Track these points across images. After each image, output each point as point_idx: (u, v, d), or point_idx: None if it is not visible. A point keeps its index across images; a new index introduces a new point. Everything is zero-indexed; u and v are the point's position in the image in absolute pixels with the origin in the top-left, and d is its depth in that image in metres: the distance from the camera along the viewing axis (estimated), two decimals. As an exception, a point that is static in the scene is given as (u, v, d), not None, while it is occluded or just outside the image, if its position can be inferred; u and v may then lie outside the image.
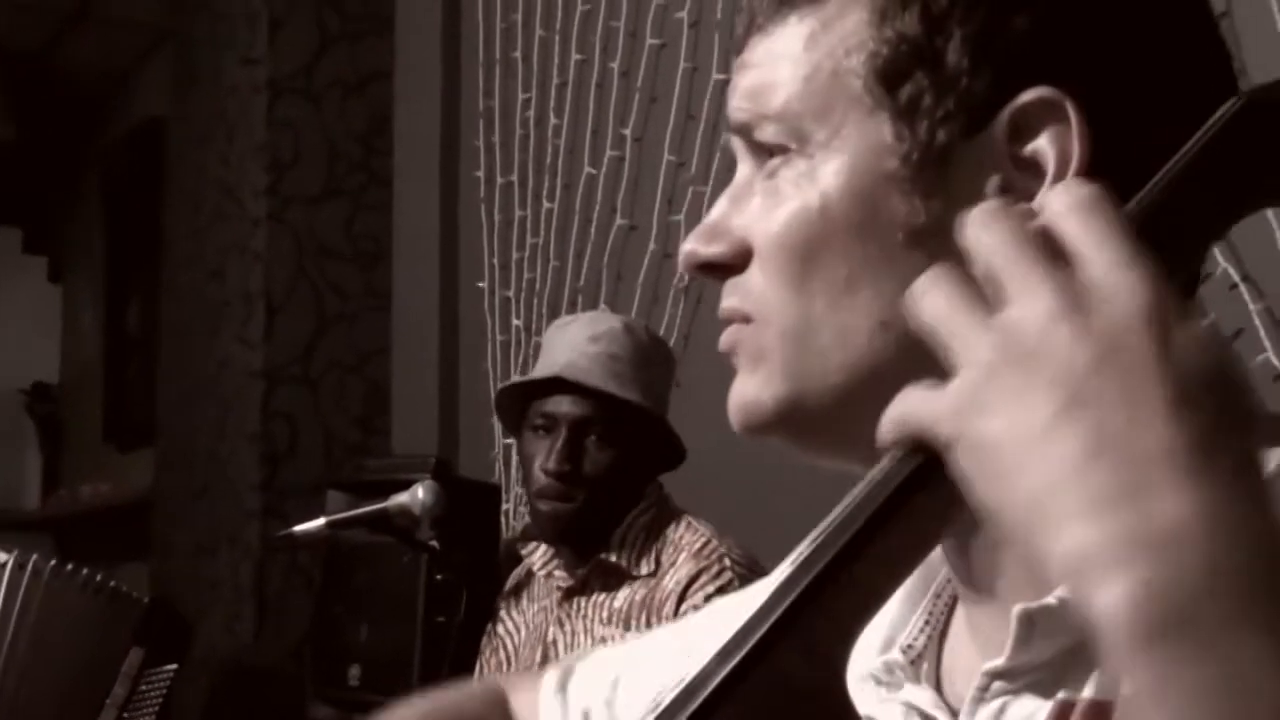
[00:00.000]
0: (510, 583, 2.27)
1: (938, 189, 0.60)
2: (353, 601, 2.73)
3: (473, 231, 3.36)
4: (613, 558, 2.06)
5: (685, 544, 2.04)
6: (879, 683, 0.65)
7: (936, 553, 0.64)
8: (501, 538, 2.74)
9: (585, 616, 2.09)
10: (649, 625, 1.99)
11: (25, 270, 5.69)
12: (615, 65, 2.90)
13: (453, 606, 2.32)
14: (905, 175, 0.60)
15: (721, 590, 1.95)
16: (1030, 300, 0.44)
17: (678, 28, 2.72)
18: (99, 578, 2.83)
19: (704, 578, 1.99)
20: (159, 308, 4.27)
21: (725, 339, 0.65)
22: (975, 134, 0.59)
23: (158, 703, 2.82)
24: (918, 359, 0.50)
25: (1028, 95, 0.59)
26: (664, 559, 2.05)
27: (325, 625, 2.82)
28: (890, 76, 0.60)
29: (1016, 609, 0.58)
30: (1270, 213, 1.61)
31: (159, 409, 4.16)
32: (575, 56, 3.02)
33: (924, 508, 0.50)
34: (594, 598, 2.09)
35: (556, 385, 2.06)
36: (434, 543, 2.28)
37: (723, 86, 2.53)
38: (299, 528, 2.25)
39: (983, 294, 0.46)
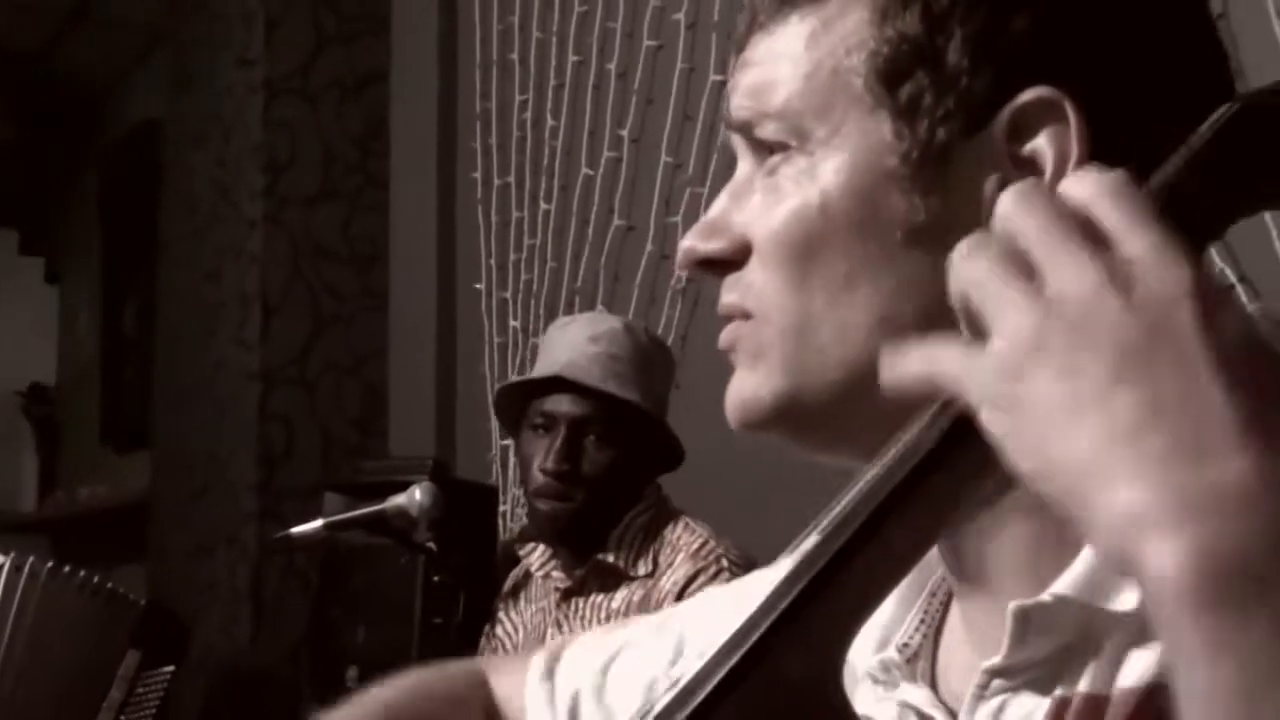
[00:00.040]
0: (508, 584, 2.27)
1: (937, 187, 0.60)
2: (350, 603, 2.73)
3: (470, 233, 3.36)
4: (610, 558, 2.06)
5: (683, 545, 2.04)
6: (875, 681, 0.66)
7: (932, 553, 0.64)
8: (499, 539, 2.74)
9: (583, 618, 2.09)
10: (647, 626, 1.99)
11: (22, 271, 5.69)
12: (612, 67, 2.90)
13: (450, 608, 2.32)
14: (905, 173, 0.60)
15: (719, 592, 1.96)
16: (1075, 274, 0.45)
17: (675, 29, 2.72)
18: (96, 580, 2.83)
19: (701, 579, 1.99)
20: (156, 309, 4.27)
21: (725, 336, 0.65)
22: (975, 133, 0.60)
23: (155, 705, 2.82)
24: None
25: (1027, 95, 0.59)
26: (661, 560, 2.05)
27: (322, 627, 2.82)
28: (891, 75, 0.61)
29: (1012, 606, 0.58)
30: (1268, 214, 1.61)
31: (156, 411, 4.16)
32: (572, 58, 3.01)
33: (924, 503, 0.50)
34: (592, 599, 2.09)
35: (556, 385, 2.06)
36: (431, 544, 2.28)
37: (720, 88, 2.53)
38: (296, 530, 2.25)
39: (1025, 265, 0.46)
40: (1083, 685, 0.57)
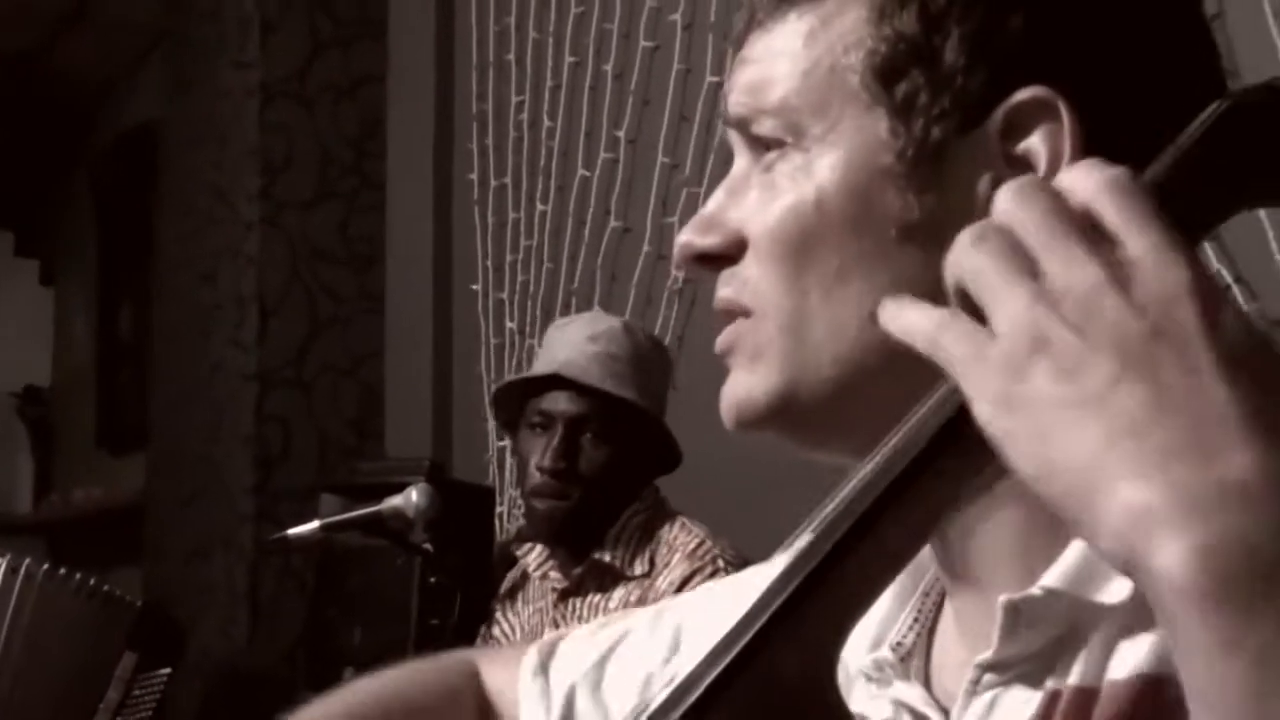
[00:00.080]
0: (505, 585, 2.27)
1: (932, 185, 0.61)
2: (347, 605, 2.72)
3: (466, 234, 3.36)
4: (607, 557, 2.06)
5: (679, 545, 2.04)
6: (869, 680, 0.66)
7: (925, 552, 0.64)
8: (496, 540, 2.74)
9: (581, 618, 2.09)
10: (643, 626, 2.00)
11: (17, 274, 5.69)
12: (608, 68, 2.90)
13: (447, 609, 2.31)
14: (900, 171, 0.61)
15: (715, 592, 1.96)
16: (1076, 271, 0.45)
17: (671, 30, 2.72)
18: (92, 582, 2.83)
19: (697, 579, 1.99)
20: (151, 311, 4.27)
21: (723, 339, 0.65)
22: (969, 131, 0.60)
23: (151, 707, 2.82)
24: (908, 353, 0.50)
25: (1022, 94, 0.60)
26: (658, 559, 2.05)
27: (319, 628, 2.82)
28: (887, 73, 0.61)
29: (1001, 599, 0.59)
30: (1263, 214, 1.61)
31: (151, 413, 4.16)
32: (569, 59, 3.02)
33: (919, 500, 0.51)
34: (589, 599, 2.09)
35: (554, 383, 2.06)
36: (428, 546, 2.27)
37: (716, 89, 2.53)
38: (293, 531, 2.25)
39: (1026, 258, 0.46)
40: (1073, 678, 0.57)
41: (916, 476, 0.50)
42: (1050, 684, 0.58)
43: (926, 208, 0.60)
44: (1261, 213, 1.61)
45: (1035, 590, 0.58)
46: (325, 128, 3.67)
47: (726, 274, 0.65)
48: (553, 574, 2.14)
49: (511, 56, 3.21)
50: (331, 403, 3.62)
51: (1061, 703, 0.57)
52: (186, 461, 3.83)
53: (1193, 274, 0.44)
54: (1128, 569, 0.42)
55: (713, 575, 1.98)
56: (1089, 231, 0.45)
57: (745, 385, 0.64)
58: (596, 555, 2.07)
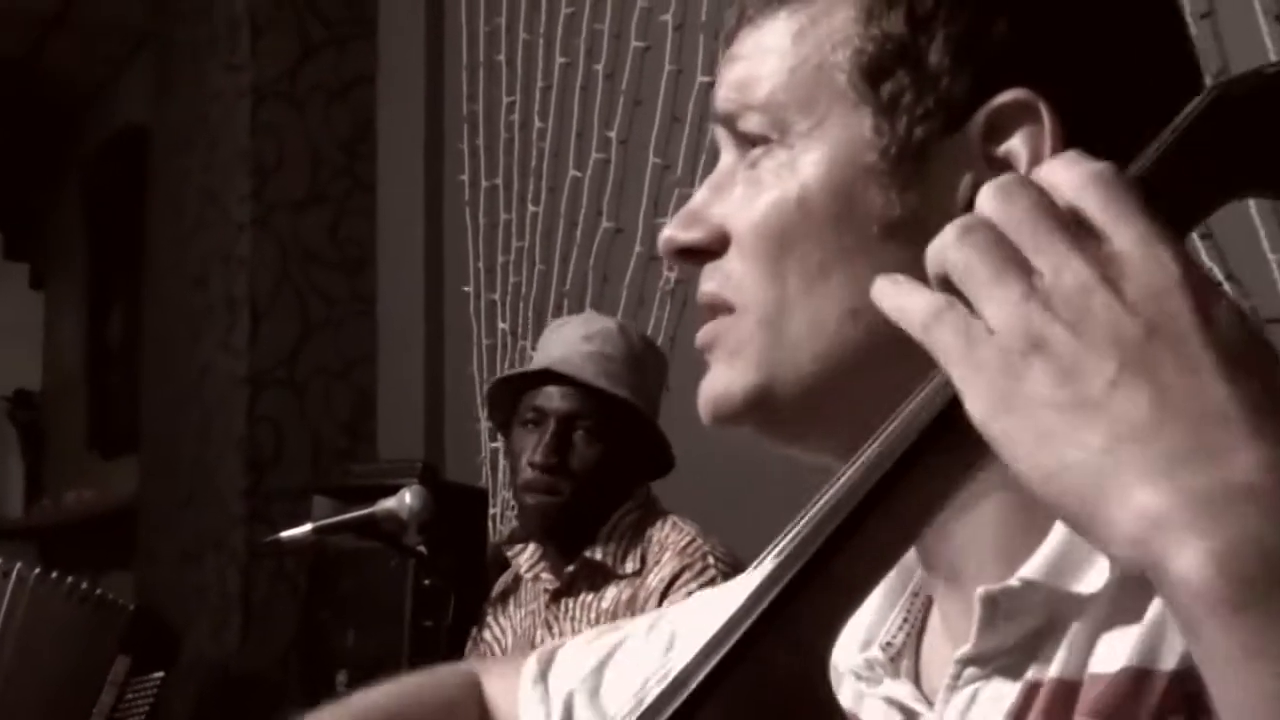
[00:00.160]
0: (497, 589, 2.27)
1: (914, 183, 0.61)
2: (339, 607, 2.72)
3: (458, 235, 3.36)
4: (598, 555, 2.06)
5: (670, 543, 2.04)
6: (859, 678, 0.66)
7: (913, 553, 0.64)
8: (488, 542, 2.74)
9: (573, 618, 2.09)
10: (635, 624, 2.00)
11: (6, 277, 5.68)
12: (600, 68, 2.89)
13: (440, 611, 2.31)
14: (883, 169, 0.61)
15: (704, 587, 1.96)
16: (1064, 267, 0.45)
17: (662, 30, 2.72)
18: (84, 585, 2.82)
19: (686, 575, 1.99)
20: (142, 314, 4.26)
21: (704, 333, 0.65)
22: (952, 132, 0.61)
23: (144, 711, 2.81)
24: (887, 350, 0.50)
25: (1004, 96, 0.60)
26: (649, 557, 2.05)
27: (312, 631, 2.81)
28: (874, 73, 0.62)
29: (979, 592, 0.59)
30: (1254, 210, 1.62)
31: (143, 416, 4.15)
32: (559, 59, 3.01)
33: (910, 495, 0.50)
34: (581, 598, 2.09)
35: (547, 380, 2.07)
36: (421, 547, 2.27)
37: (707, 89, 2.53)
38: (286, 534, 2.25)
39: (1015, 255, 0.45)
40: (1054, 670, 0.57)
41: (906, 472, 0.50)
42: (1030, 675, 0.58)
43: (908, 206, 0.61)
44: (1253, 209, 1.61)
45: (1013, 582, 0.59)
46: (316, 129, 3.67)
47: (709, 269, 0.65)
48: (544, 575, 2.14)
49: (502, 57, 3.21)
50: (323, 405, 3.62)
51: (1041, 694, 0.57)
52: (178, 464, 3.83)
53: (1182, 267, 0.44)
54: (1143, 574, 0.42)
55: (702, 572, 1.98)
56: (1074, 227, 0.45)
57: (724, 380, 0.64)
58: (588, 553, 2.07)
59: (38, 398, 5.59)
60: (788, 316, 0.62)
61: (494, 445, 3.04)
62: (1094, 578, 0.57)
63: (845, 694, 0.66)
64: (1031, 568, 0.59)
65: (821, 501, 0.52)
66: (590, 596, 2.08)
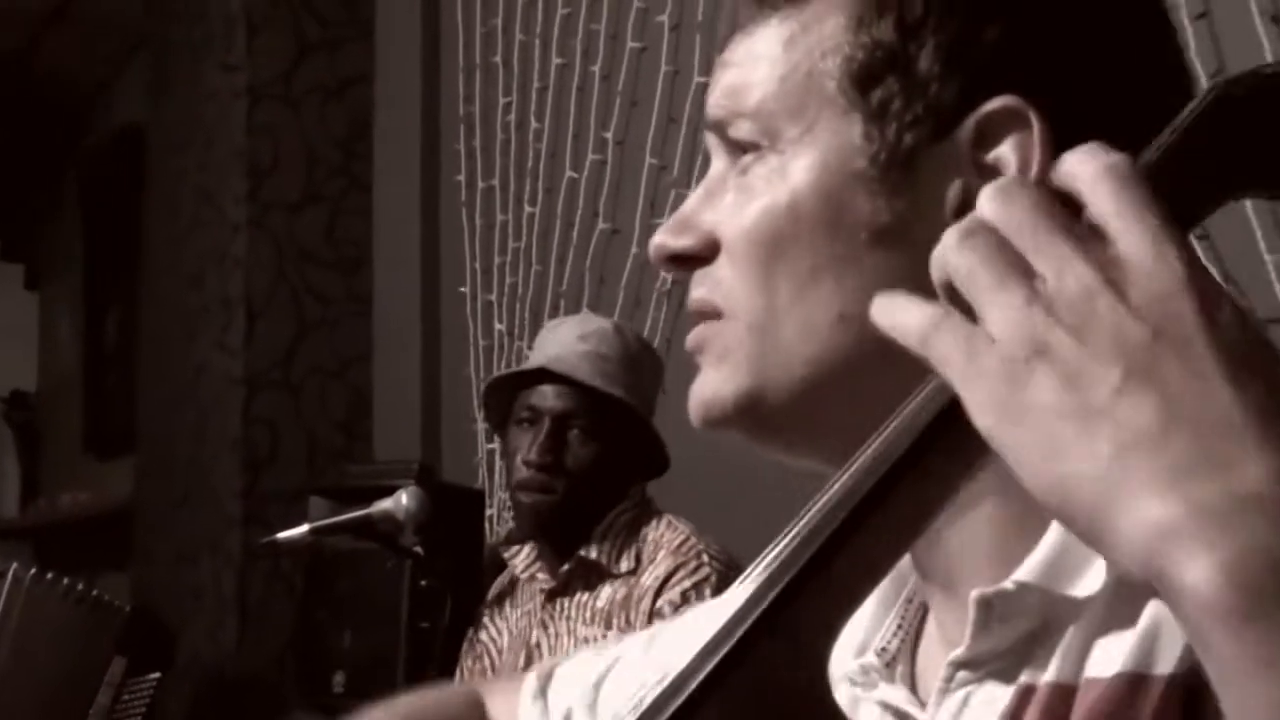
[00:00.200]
0: (493, 591, 2.27)
1: (903, 190, 0.61)
2: (336, 608, 2.72)
3: (454, 236, 3.35)
4: (593, 554, 2.07)
5: (665, 541, 2.05)
6: (854, 684, 0.66)
7: (907, 560, 0.64)
8: (485, 543, 2.74)
9: (569, 618, 2.09)
10: (629, 623, 2.00)
11: (1, 278, 5.67)
12: (596, 69, 2.89)
13: (437, 612, 2.31)
14: (873, 175, 0.61)
15: (698, 585, 1.97)
16: (1067, 272, 0.44)
17: (658, 31, 2.72)
18: (80, 587, 2.82)
19: (681, 573, 1.99)
20: (138, 315, 4.26)
21: (693, 337, 0.66)
22: (942, 139, 0.61)
23: (141, 712, 2.81)
24: (877, 356, 0.50)
25: (993, 103, 0.60)
26: (644, 556, 2.06)
27: (308, 632, 2.81)
28: (864, 80, 0.62)
29: (974, 594, 0.59)
30: (1251, 211, 1.62)
31: (139, 417, 4.15)
32: (556, 60, 3.01)
33: (909, 497, 0.51)
34: (576, 598, 2.09)
35: (542, 379, 2.07)
36: (418, 548, 2.27)
37: (704, 89, 2.52)
38: (282, 534, 2.25)
39: (1017, 258, 0.45)
40: (1049, 674, 0.57)
41: (906, 473, 0.50)
42: (1023, 679, 0.58)
43: (897, 212, 0.61)
44: (1249, 209, 1.62)
45: (1007, 584, 0.59)
46: (312, 129, 3.66)
47: (700, 275, 0.65)
48: (540, 575, 2.14)
49: (499, 58, 3.21)
50: (319, 405, 3.61)
51: (1036, 698, 0.57)
52: (174, 465, 3.82)
53: (1188, 268, 0.44)
54: (1152, 585, 0.42)
55: (696, 570, 1.99)
56: (1076, 228, 0.45)
57: (714, 384, 0.64)
58: (583, 552, 2.07)
59: (33, 398, 5.59)
60: (778, 323, 0.62)
61: (490, 446, 3.04)
62: (1089, 581, 0.57)
63: (840, 700, 0.65)
64: (1026, 570, 0.59)
65: (820, 503, 0.52)
66: (585, 596, 2.08)
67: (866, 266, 0.61)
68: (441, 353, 3.44)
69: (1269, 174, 0.50)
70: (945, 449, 0.49)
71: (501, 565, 2.26)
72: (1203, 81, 0.66)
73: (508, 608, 2.22)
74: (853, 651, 0.66)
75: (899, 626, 0.67)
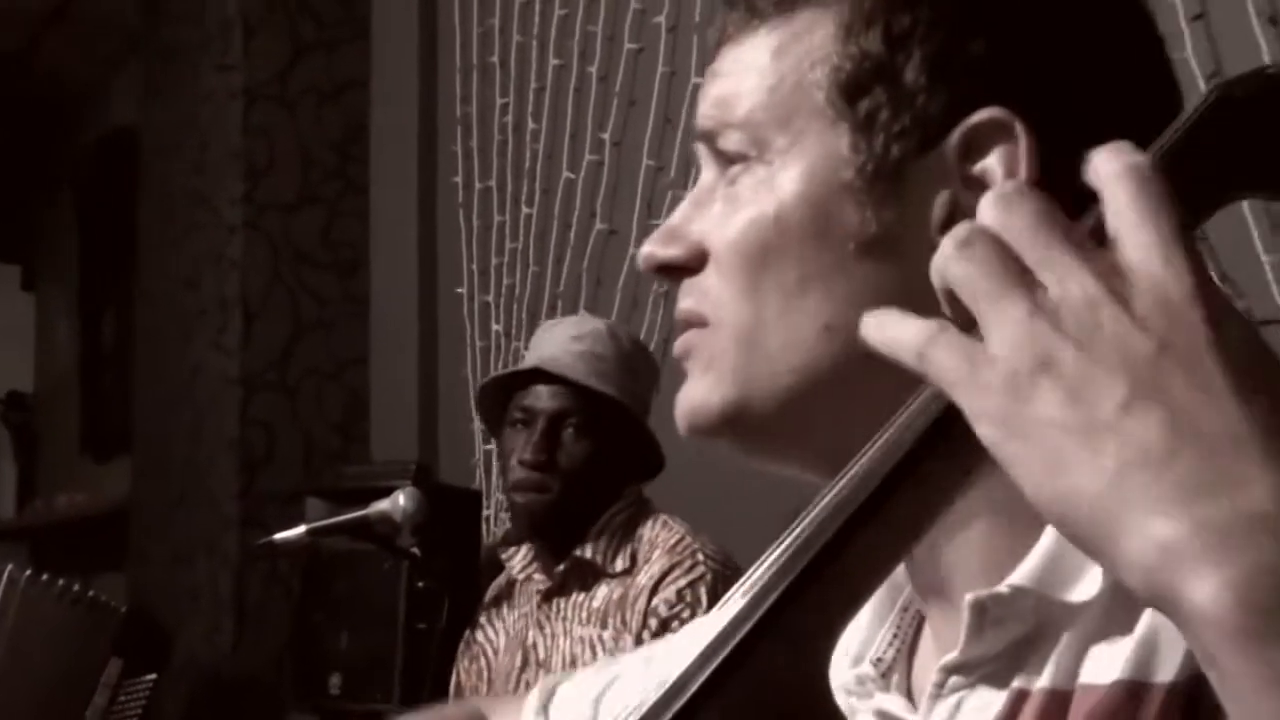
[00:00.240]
0: (490, 593, 2.26)
1: (890, 201, 0.61)
2: (333, 609, 2.72)
3: (451, 237, 3.35)
4: (588, 554, 2.07)
5: (660, 541, 2.05)
6: (849, 693, 0.66)
7: (902, 570, 0.64)
8: (482, 544, 2.73)
9: (565, 618, 2.09)
10: (625, 623, 2.00)
11: (-2, 279, 5.67)
12: (593, 70, 2.89)
13: (434, 613, 2.31)
14: (860, 186, 0.62)
15: (693, 584, 1.97)
16: (1070, 282, 0.44)
17: (656, 32, 2.72)
18: (76, 588, 2.82)
19: (676, 572, 1.99)
20: (134, 316, 4.25)
21: (680, 345, 0.66)
22: (929, 150, 0.61)
23: (137, 713, 2.81)
24: (864, 366, 0.50)
25: (979, 115, 0.61)
26: (639, 556, 2.06)
27: (305, 634, 2.81)
28: (851, 91, 0.62)
29: (968, 598, 0.59)
30: (1248, 211, 1.62)
31: (135, 418, 4.14)
32: (553, 61, 3.01)
33: (908, 502, 0.50)
34: (573, 598, 2.09)
35: (536, 379, 2.07)
36: (415, 550, 2.27)
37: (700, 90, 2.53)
38: (279, 536, 2.25)
39: (1018, 266, 0.45)
40: (1044, 680, 0.57)
41: (905, 477, 0.50)
42: (1017, 683, 0.58)
43: (884, 223, 0.61)
44: (1246, 210, 1.62)
45: (1002, 588, 0.58)
46: (308, 131, 3.66)
47: (688, 284, 0.65)
48: (536, 575, 2.14)
49: (495, 59, 3.21)
50: (316, 406, 3.61)
51: (1030, 704, 0.57)
52: (170, 466, 3.82)
53: (1196, 277, 0.43)
54: (1159, 604, 0.42)
55: (691, 569, 1.99)
56: (1077, 236, 0.45)
57: (700, 392, 0.64)
58: (578, 552, 2.07)
59: (30, 400, 5.58)
60: (764, 333, 0.62)
61: (488, 447, 3.04)
62: (1085, 586, 0.57)
63: None
64: (1021, 574, 0.58)
65: (819, 507, 0.52)
66: (581, 596, 2.08)
67: (854, 277, 0.61)
68: (438, 354, 3.44)
69: (1270, 175, 0.50)
70: (945, 452, 0.49)
71: (499, 566, 2.26)
72: (1199, 84, 0.66)
73: (505, 609, 2.22)
74: (848, 661, 0.66)
75: (894, 636, 0.67)
